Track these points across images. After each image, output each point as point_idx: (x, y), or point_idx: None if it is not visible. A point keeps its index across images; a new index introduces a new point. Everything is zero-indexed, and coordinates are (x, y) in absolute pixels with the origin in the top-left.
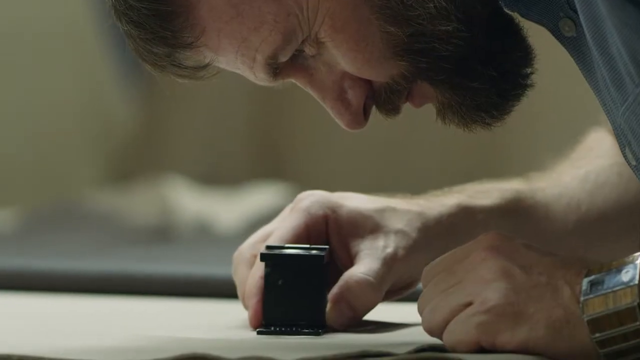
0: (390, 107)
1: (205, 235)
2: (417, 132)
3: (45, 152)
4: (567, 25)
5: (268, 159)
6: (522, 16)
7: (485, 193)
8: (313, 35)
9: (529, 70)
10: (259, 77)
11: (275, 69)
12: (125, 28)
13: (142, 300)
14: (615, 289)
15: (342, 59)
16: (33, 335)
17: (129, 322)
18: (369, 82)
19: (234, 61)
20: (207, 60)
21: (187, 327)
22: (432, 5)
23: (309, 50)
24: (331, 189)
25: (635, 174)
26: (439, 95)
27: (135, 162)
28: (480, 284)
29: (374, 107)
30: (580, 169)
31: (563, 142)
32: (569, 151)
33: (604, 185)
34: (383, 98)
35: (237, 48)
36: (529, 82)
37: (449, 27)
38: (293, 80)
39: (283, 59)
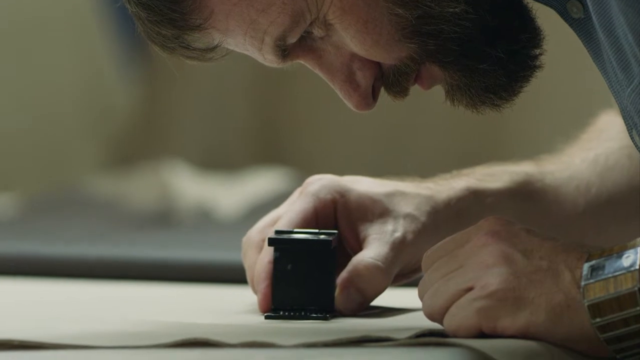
0: (399, 89)
1: (206, 220)
2: (421, 115)
3: (46, 137)
4: (575, 6)
5: (269, 144)
6: None
7: (494, 176)
8: (321, 17)
9: (537, 51)
10: (267, 59)
11: (284, 51)
12: (134, 10)
13: (143, 286)
14: (616, 274)
15: (350, 40)
16: (34, 321)
17: (130, 307)
18: (377, 64)
19: (243, 43)
20: (215, 42)
21: (188, 312)
22: None
23: (317, 32)
24: (333, 173)
25: None
26: (447, 77)
27: (136, 147)
28: (481, 268)
29: (382, 89)
30: (590, 151)
31: (569, 123)
32: (579, 134)
33: (614, 167)
34: (391, 80)
35: (246, 30)
36: (537, 63)
37: (456, 9)
38: (302, 62)
39: (291, 40)
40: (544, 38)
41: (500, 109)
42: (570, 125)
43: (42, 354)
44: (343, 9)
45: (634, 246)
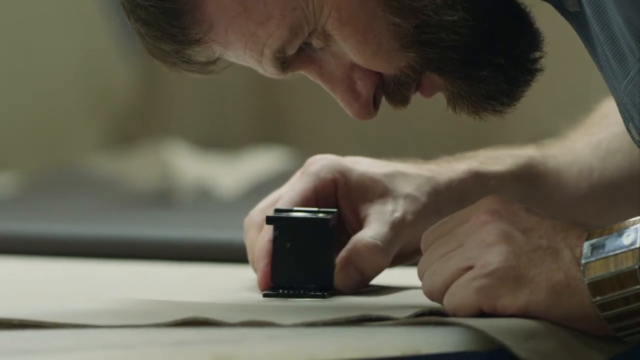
0: (400, 99)
1: (206, 200)
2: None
3: (45, 116)
4: (570, 0)
5: (269, 123)
6: None
7: (497, 159)
8: (320, 28)
9: (537, 54)
10: (267, 71)
11: (284, 63)
12: (134, 26)
13: (143, 265)
14: (616, 252)
15: (350, 51)
16: (33, 300)
17: (129, 286)
18: (378, 73)
19: (243, 55)
20: (216, 55)
21: (188, 291)
22: None
23: (316, 43)
24: (334, 153)
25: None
26: (448, 85)
27: (136, 126)
28: (480, 247)
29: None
30: (592, 136)
31: (571, 109)
32: (582, 119)
33: (617, 152)
34: (392, 89)
35: (245, 43)
36: (538, 66)
37: (455, 17)
38: (302, 72)
39: (291, 52)
40: (543, 40)
41: (503, 114)
42: (573, 111)
43: (42, 332)
44: (341, 20)
45: (634, 224)
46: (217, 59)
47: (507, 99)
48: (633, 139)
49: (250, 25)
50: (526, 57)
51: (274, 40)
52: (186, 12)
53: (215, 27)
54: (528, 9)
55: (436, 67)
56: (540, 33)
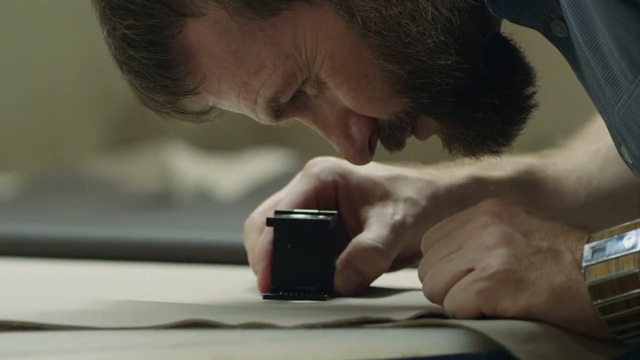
0: (395, 143)
1: (205, 202)
2: None
3: (46, 118)
4: (558, 26)
5: (269, 125)
6: (513, 21)
7: (497, 165)
8: (313, 76)
9: (531, 89)
10: (262, 119)
11: (277, 111)
12: (127, 77)
13: (143, 266)
14: (617, 255)
15: (344, 98)
16: (33, 302)
17: (129, 288)
18: (373, 118)
19: (237, 104)
20: (210, 104)
21: (188, 292)
22: (430, 40)
23: (310, 90)
24: (334, 155)
25: (632, 171)
26: (444, 128)
27: (136, 128)
28: (481, 250)
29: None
30: (591, 144)
31: (569, 119)
32: (580, 129)
33: (615, 161)
34: (387, 134)
35: (239, 92)
36: (532, 102)
37: (448, 61)
38: (297, 119)
39: (284, 100)
40: (536, 75)
41: (499, 154)
42: (570, 121)
43: (42, 334)
44: (334, 67)
45: (635, 227)
46: (211, 108)
47: (503, 139)
48: (626, 162)
49: (243, 75)
50: (520, 95)
51: (267, 89)
52: (179, 64)
53: (208, 78)
54: (519, 45)
55: (431, 111)
56: (533, 68)
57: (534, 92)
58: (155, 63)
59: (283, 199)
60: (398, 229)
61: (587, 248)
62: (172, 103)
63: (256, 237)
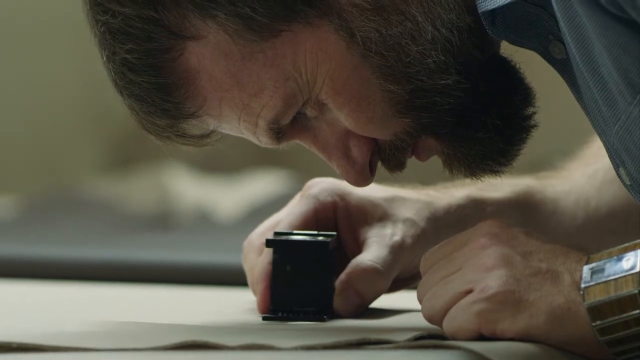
0: (395, 164)
1: (205, 223)
2: None
3: (45, 139)
4: (557, 47)
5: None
6: (512, 43)
7: (495, 186)
8: (314, 98)
9: (531, 110)
10: (262, 141)
11: (278, 133)
12: (127, 102)
13: (142, 288)
14: (616, 276)
15: (345, 119)
16: (32, 323)
17: (128, 309)
18: (373, 139)
19: (238, 127)
20: (210, 128)
21: (187, 314)
22: (430, 60)
23: (310, 112)
24: (333, 176)
25: (630, 193)
26: (444, 148)
27: (135, 149)
28: (480, 271)
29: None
30: (589, 166)
31: (567, 140)
32: (578, 151)
33: (613, 182)
34: (387, 154)
35: (239, 115)
36: (532, 122)
37: (448, 80)
38: (297, 141)
39: (285, 122)
40: (535, 95)
41: (500, 174)
42: (568, 142)
43: (42, 356)
44: (335, 89)
45: (633, 249)
46: (212, 132)
47: (503, 159)
48: (624, 184)
49: (243, 97)
50: (520, 115)
51: (267, 111)
52: (179, 87)
53: (209, 101)
54: (518, 66)
55: (432, 130)
56: (532, 88)
57: (534, 112)
58: (156, 87)
59: (282, 220)
60: (397, 250)
61: (586, 269)
62: (172, 127)
63: (255, 258)
